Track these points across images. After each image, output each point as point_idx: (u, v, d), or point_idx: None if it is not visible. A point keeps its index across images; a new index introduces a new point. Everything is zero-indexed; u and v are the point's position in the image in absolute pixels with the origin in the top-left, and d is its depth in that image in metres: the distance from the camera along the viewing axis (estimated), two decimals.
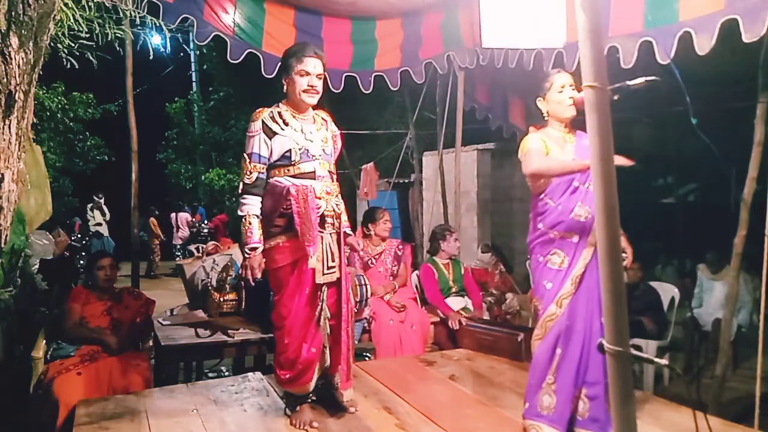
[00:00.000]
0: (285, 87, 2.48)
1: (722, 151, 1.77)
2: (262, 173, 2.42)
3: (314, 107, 2.55)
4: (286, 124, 2.42)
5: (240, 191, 2.43)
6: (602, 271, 1.26)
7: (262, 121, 2.40)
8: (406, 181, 8.78)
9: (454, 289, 4.31)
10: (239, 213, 2.42)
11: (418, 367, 3.38)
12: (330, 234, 2.45)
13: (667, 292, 4.78)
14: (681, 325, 4.92)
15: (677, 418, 2.56)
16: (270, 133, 2.39)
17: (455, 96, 4.96)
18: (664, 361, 1.58)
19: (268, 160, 2.41)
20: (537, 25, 3.22)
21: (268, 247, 2.41)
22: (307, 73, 2.41)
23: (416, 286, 4.45)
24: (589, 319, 2.29)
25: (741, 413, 3.16)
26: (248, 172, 2.40)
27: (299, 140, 2.41)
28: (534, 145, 2.40)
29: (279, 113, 2.44)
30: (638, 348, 4.27)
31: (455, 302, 4.22)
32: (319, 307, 2.43)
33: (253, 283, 2.41)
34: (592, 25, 1.22)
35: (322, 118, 2.58)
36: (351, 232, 2.65)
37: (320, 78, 2.45)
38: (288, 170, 2.40)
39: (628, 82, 2.00)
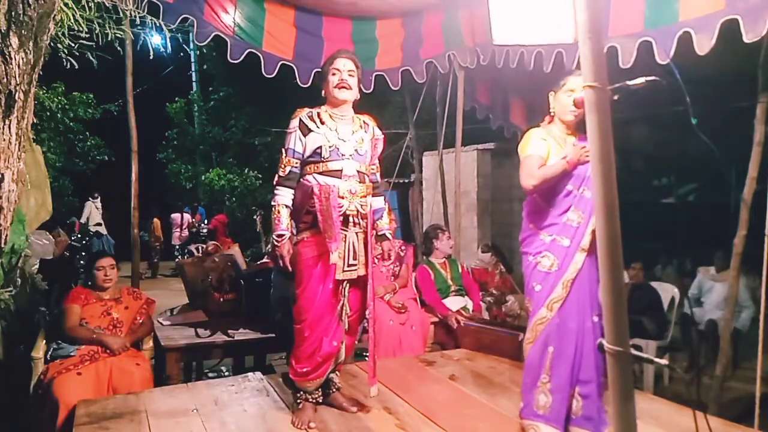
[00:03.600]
0: (323, 91, 2.59)
1: (722, 151, 1.77)
2: (296, 168, 2.53)
3: (358, 111, 2.65)
4: (322, 123, 2.52)
5: (275, 183, 2.55)
6: (602, 271, 1.26)
7: (300, 119, 2.52)
8: (406, 181, 8.78)
9: (453, 288, 4.30)
10: (272, 203, 2.54)
11: (418, 367, 3.38)
12: (356, 233, 2.52)
13: (667, 292, 4.78)
14: (680, 325, 4.92)
15: (677, 418, 2.56)
16: (305, 131, 2.50)
17: (455, 96, 4.96)
18: (664, 361, 1.58)
19: (302, 155, 2.51)
20: (547, 20, 3.21)
21: (295, 241, 2.52)
22: (338, 71, 2.52)
23: (416, 287, 4.44)
24: (581, 319, 2.30)
25: (741, 413, 3.16)
26: (283, 166, 2.53)
27: (331, 138, 2.49)
28: (533, 150, 2.40)
29: (318, 113, 2.55)
30: (638, 348, 4.27)
31: (454, 302, 4.21)
32: (340, 303, 2.52)
33: (291, 269, 2.50)
34: (592, 25, 1.22)
35: (364, 121, 2.65)
36: (390, 237, 2.75)
37: (352, 75, 2.55)
38: (317, 167, 2.49)
39: (629, 82, 2.00)
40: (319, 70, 2.68)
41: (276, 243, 2.49)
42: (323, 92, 2.60)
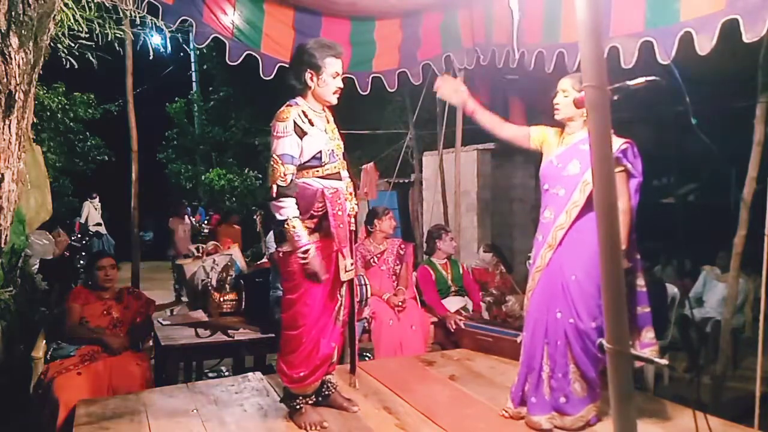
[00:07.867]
0: (309, 82, 2.42)
1: (722, 151, 1.77)
2: (294, 175, 2.35)
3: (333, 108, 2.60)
4: (312, 124, 2.39)
5: (275, 194, 2.32)
6: (602, 270, 1.26)
7: (294, 122, 2.33)
8: (406, 181, 8.77)
9: (453, 289, 4.30)
10: (279, 217, 2.33)
11: (418, 367, 3.38)
12: (350, 233, 2.53)
13: (667, 292, 4.77)
14: (680, 325, 4.92)
15: (677, 418, 2.56)
16: (301, 133, 2.34)
17: None
18: (664, 361, 1.59)
19: (298, 160, 2.36)
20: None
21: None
22: (338, 74, 2.43)
23: (416, 287, 4.44)
24: (547, 311, 2.45)
25: (741, 413, 3.15)
26: (282, 174, 2.30)
27: (326, 140, 2.41)
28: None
29: (304, 112, 2.39)
30: None
31: (454, 302, 4.22)
32: (339, 303, 2.50)
33: (295, 276, 2.36)
34: (593, 25, 1.22)
35: (327, 117, 2.56)
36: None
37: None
38: (317, 171, 2.39)
39: (629, 82, 2.00)
40: None
41: (303, 258, 2.30)
42: (308, 86, 2.42)
